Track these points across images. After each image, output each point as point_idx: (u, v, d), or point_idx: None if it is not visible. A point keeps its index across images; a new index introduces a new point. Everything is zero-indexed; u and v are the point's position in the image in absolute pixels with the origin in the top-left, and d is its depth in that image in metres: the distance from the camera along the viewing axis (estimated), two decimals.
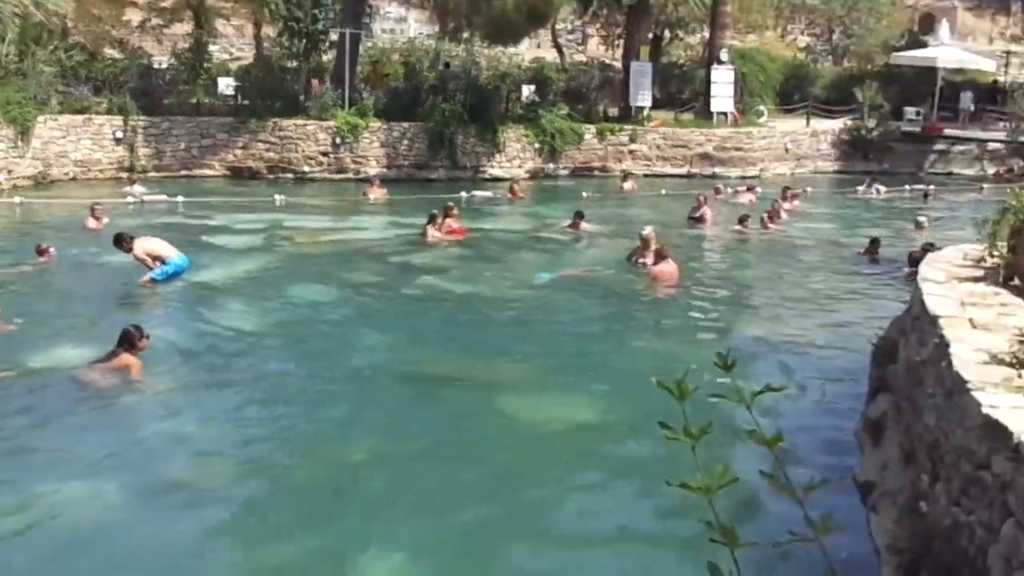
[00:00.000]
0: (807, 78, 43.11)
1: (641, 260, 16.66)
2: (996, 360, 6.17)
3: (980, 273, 9.22)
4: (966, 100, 39.89)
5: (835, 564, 2.13)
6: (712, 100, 35.17)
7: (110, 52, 32.73)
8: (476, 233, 20.31)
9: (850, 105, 37.30)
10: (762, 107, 38.31)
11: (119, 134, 27.35)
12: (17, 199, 22.60)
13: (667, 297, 15.51)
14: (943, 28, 43.50)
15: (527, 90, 33.26)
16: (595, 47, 51.06)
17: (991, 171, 35.30)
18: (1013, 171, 33.57)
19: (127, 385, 10.31)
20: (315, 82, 29.88)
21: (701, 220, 22.17)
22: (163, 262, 14.80)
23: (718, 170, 33.02)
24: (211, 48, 35.69)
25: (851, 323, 13.67)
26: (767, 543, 2.24)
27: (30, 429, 9.15)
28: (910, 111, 37.66)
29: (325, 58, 31.88)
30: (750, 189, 27.57)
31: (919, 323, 8.05)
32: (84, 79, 28.31)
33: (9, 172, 24.61)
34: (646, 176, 31.82)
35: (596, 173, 32.04)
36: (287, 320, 13.48)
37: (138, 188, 24.31)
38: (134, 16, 37.62)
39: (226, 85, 29.81)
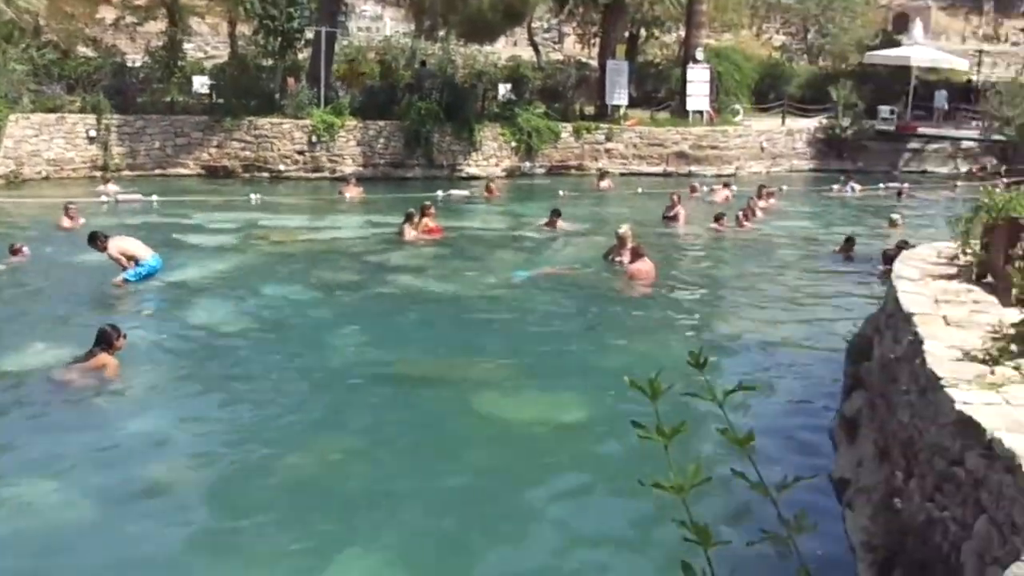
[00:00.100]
0: (782, 77, 43.25)
1: (617, 258, 16.69)
2: (969, 357, 6.21)
3: (953, 270, 9.30)
4: (940, 99, 40.14)
5: (810, 562, 2.13)
6: (688, 99, 35.26)
7: (83, 50, 32.47)
8: (453, 232, 20.27)
9: (825, 104, 37.46)
10: (738, 106, 38.44)
11: (92, 133, 27.14)
12: None
13: (644, 295, 15.53)
14: (917, 27, 43.78)
15: (503, 88, 33.24)
16: (571, 46, 51.03)
17: (964, 169, 35.54)
18: (986, 169, 33.78)
19: (105, 385, 10.28)
20: (291, 80, 29.76)
21: (675, 219, 22.20)
22: (137, 262, 14.69)
23: (694, 168, 33.11)
24: (185, 46, 35.48)
25: (826, 321, 13.74)
26: (741, 542, 2.24)
27: (6, 430, 9.08)
28: (884, 110, 37.88)
29: (301, 56, 31.74)
30: (726, 186, 27.67)
31: (893, 320, 8.10)
32: (57, 77, 28.08)
33: None
34: (622, 175, 31.84)
35: (573, 172, 32.06)
36: (263, 320, 13.41)
37: (112, 187, 24.12)
38: (107, 14, 37.31)
39: (201, 83, 29.64)
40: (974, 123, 37.83)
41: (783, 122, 37.38)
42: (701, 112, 35.37)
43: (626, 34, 40.65)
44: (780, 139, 36.29)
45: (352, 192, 25.21)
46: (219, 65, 33.61)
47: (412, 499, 7.92)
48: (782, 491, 2.03)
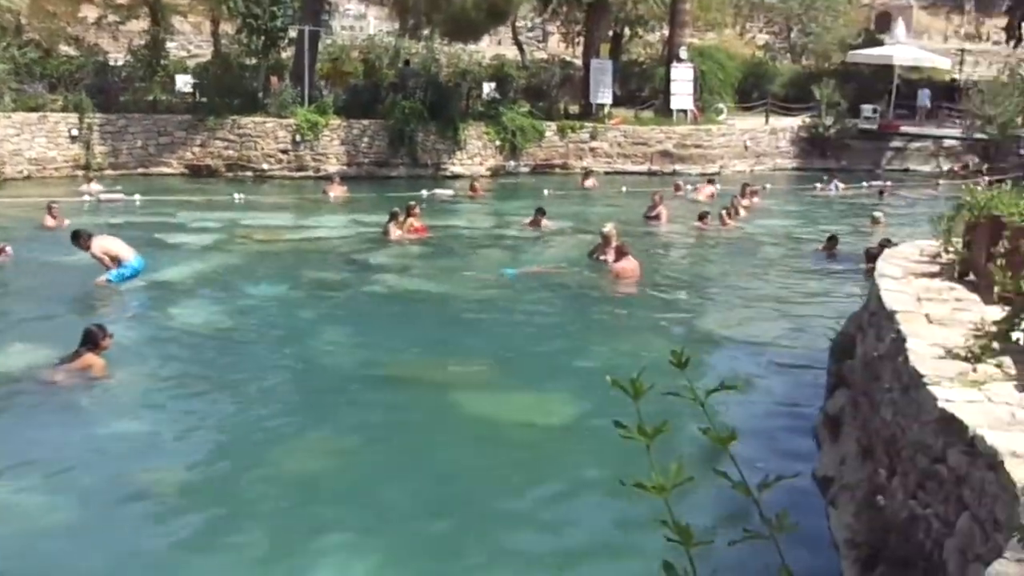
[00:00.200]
0: (765, 76, 43.39)
1: (602, 257, 16.71)
2: (951, 355, 6.24)
3: (936, 269, 9.33)
4: (923, 97, 40.33)
5: (793, 560, 2.14)
6: (672, 98, 35.35)
7: (65, 49, 32.23)
8: (437, 231, 20.25)
9: (808, 103, 37.57)
10: (721, 105, 38.55)
11: (75, 132, 27.01)
12: None
13: (628, 294, 15.56)
14: (899, 26, 44.00)
15: (488, 87, 33.24)
16: (556, 44, 51.05)
17: (947, 167, 35.71)
18: (968, 167, 33.96)
19: (91, 385, 10.25)
20: (274, 79, 29.65)
21: (657, 219, 22.23)
22: (120, 263, 14.61)
23: (678, 167, 33.19)
24: (168, 45, 35.22)
25: (809, 319, 13.77)
26: (724, 542, 2.24)
27: None
28: (867, 109, 38.06)
29: (284, 55, 31.63)
30: (710, 182, 27.82)
31: (876, 318, 8.13)
32: (39, 76, 27.92)
33: None
34: (607, 173, 31.89)
35: (557, 170, 32.09)
36: (248, 319, 13.37)
37: (95, 186, 24.01)
38: (90, 12, 37.03)
39: (184, 82, 29.54)
40: (958, 122, 38.00)
41: (766, 121, 37.51)
42: (685, 111, 35.46)
43: (610, 33, 40.75)
44: (764, 138, 36.40)
45: (336, 191, 25.16)
46: (202, 64, 33.46)
47: (396, 498, 7.91)
48: (764, 490, 2.04)
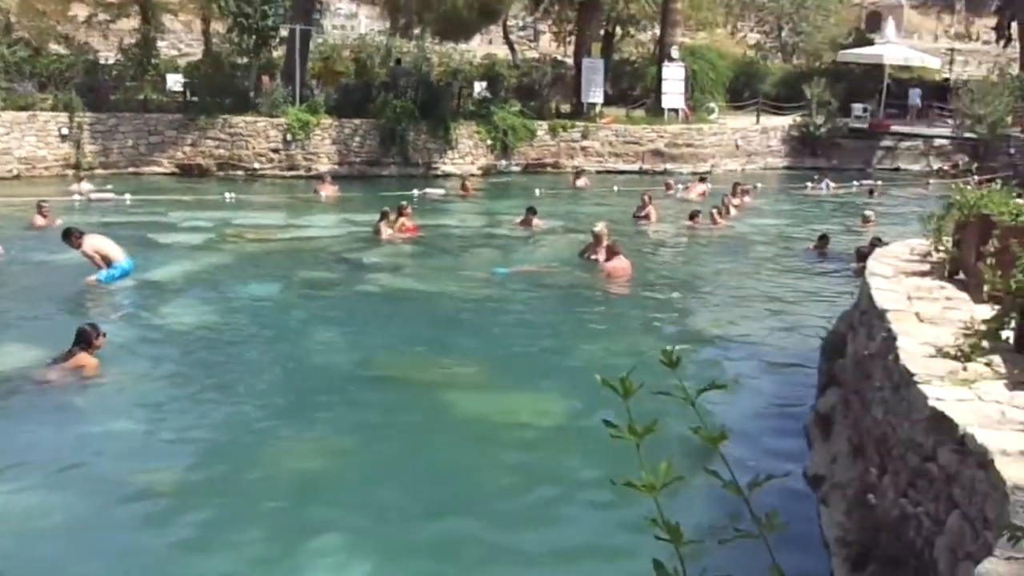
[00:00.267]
0: (757, 75, 43.46)
1: (593, 256, 16.71)
2: (942, 353, 6.26)
3: (926, 268, 9.36)
4: (914, 97, 40.43)
5: (784, 559, 2.14)
6: (663, 97, 35.36)
7: (55, 48, 32.13)
8: (429, 231, 20.24)
9: (799, 102, 37.60)
10: (713, 104, 38.61)
11: (65, 131, 26.90)
12: None
13: (620, 293, 15.57)
14: (889, 26, 44.09)
15: (479, 86, 33.23)
16: (547, 44, 51.03)
17: (937, 167, 35.79)
18: (957, 167, 34.03)
19: (85, 385, 10.23)
20: (265, 79, 29.60)
21: (646, 218, 22.22)
22: (110, 263, 14.58)
23: (670, 166, 33.21)
24: (159, 44, 35.24)
25: (800, 318, 13.80)
26: (714, 540, 2.25)
27: None
28: (857, 108, 38.14)
29: (275, 54, 31.61)
30: (702, 180, 27.88)
31: (867, 317, 8.15)
32: (28, 75, 27.80)
33: None
34: (599, 172, 31.90)
35: (549, 170, 32.08)
36: (239, 319, 13.35)
37: (85, 186, 23.92)
38: (80, 11, 36.93)
39: (175, 81, 29.46)
40: (948, 121, 38.10)
41: (758, 120, 37.55)
42: (676, 110, 35.48)
43: (601, 32, 40.76)
44: (755, 137, 36.45)
45: (327, 190, 25.12)
46: (193, 63, 33.43)
47: (388, 497, 7.91)
48: (754, 489, 2.04)
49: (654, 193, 23.74)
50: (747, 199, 25.80)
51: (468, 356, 11.86)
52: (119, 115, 27.87)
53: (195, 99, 29.08)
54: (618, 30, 42.52)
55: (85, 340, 10.42)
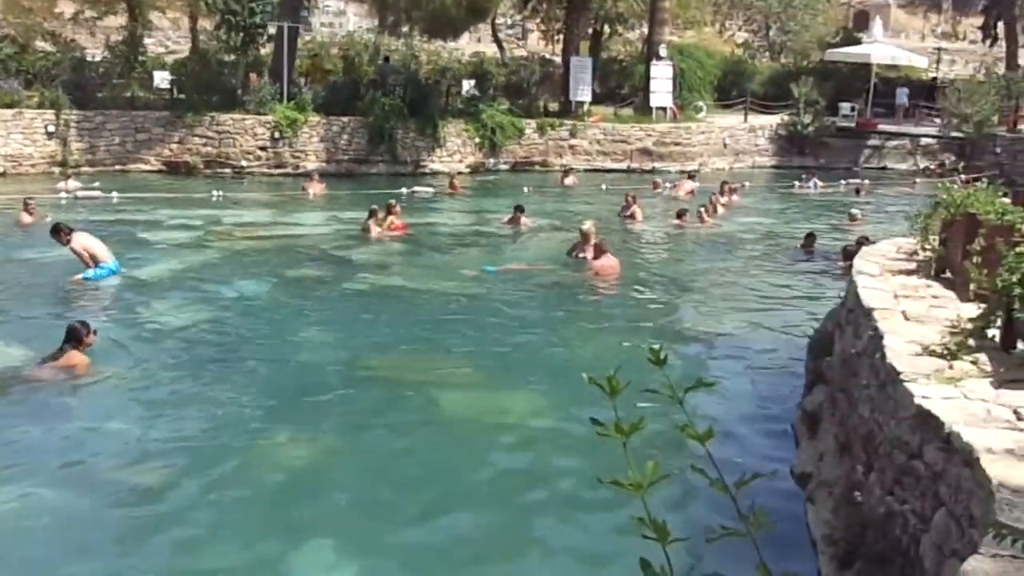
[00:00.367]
0: (744, 74, 43.52)
1: (581, 254, 16.71)
2: (928, 351, 6.28)
3: (913, 266, 9.40)
4: (901, 96, 40.55)
5: (771, 556, 2.14)
6: (651, 95, 35.38)
7: (42, 45, 31.97)
8: (417, 228, 20.22)
9: (787, 101, 37.66)
10: (700, 102, 38.67)
11: (51, 128, 26.80)
12: None
13: (608, 292, 15.58)
14: (877, 25, 44.28)
15: (467, 85, 33.20)
16: (535, 42, 51.10)
17: (924, 166, 35.92)
18: (944, 166, 34.18)
19: (76, 383, 10.21)
20: (253, 76, 29.52)
21: (632, 217, 22.23)
22: (97, 263, 14.54)
23: (657, 165, 33.23)
24: (146, 41, 35.07)
25: (788, 316, 13.84)
26: (701, 539, 2.25)
27: None
28: (845, 107, 38.24)
29: (263, 52, 31.52)
30: (691, 178, 27.93)
31: (854, 315, 8.18)
32: (14, 72, 27.72)
33: None
34: (587, 171, 31.90)
35: (537, 168, 32.08)
36: (227, 317, 13.31)
37: (72, 183, 23.82)
38: (66, 8, 36.82)
39: (162, 79, 29.33)
40: (936, 120, 38.24)
41: (745, 119, 37.59)
42: (664, 109, 35.50)
43: (590, 30, 40.82)
44: (743, 136, 36.51)
45: (315, 188, 25.08)
46: (180, 60, 33.29)
47: (376, 496, 7.91)
48: (741, 487, 2.04)
49: (641, 192, 23.73)
50: (735, 198, 25.83)
51: (456, 354, 11.86)
52: (106, 112, 27.78)
53: (182, 96, 28.99)
54: (606, 28, 42.57)
55: (76, 338, 10.38)
